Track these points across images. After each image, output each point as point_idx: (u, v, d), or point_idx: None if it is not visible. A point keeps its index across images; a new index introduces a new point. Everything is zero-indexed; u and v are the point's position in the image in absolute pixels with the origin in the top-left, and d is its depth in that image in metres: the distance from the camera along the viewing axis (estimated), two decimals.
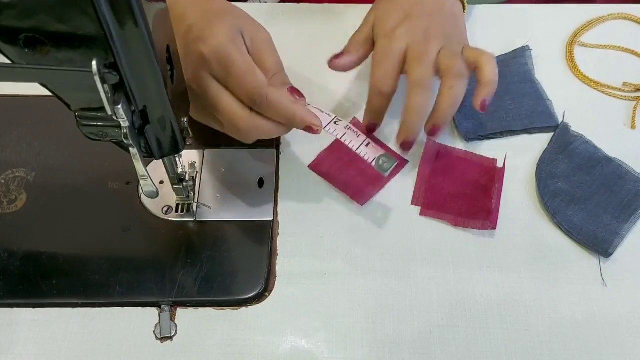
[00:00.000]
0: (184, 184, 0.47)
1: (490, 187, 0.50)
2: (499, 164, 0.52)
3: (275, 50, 0.47)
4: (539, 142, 0.54)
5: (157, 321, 0.45)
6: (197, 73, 0.43)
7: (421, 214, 0.50)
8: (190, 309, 0.45)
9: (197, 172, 0.51)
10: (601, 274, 0.47)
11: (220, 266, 0.47)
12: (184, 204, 0.50)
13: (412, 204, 0.51)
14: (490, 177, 0.51)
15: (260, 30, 0.47)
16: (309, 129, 0.43)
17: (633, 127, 0.55)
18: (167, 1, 0.35)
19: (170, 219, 0.49)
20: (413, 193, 0.51)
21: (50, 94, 0.34)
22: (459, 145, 0.54)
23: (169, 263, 0.47)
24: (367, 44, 0.52)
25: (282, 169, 0.53)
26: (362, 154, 0.45)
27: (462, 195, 0.51)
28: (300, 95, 0.45)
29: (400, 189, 0.52)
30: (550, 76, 0.59)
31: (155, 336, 0.44)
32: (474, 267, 0.48)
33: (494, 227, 0.49)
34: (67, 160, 0.52)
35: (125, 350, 0.44)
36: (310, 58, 0.59)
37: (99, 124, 0.36)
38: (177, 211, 0.49)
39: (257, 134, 0.45)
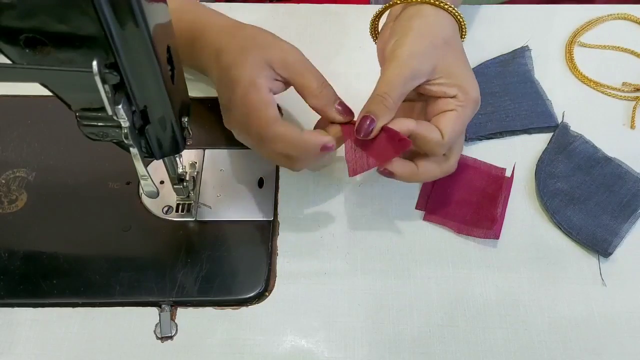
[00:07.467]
0: (185, 184, 0.47)
1: (496, 196, 0.50)
2: (507, 173, 0.52)
3: (311, 66, 0.46)
4: (539, 142, 0.54)
5: (158, 321, 0.45)
6: (227, 117, 0.46)
7: (425, 218, 0.50)
8: (190, 309, 0.45)
9: (197, 172, 0.51)
10: (600, 274, 0.47)
11: (220, 266, 0.47)
12: (185, 203, 0.50)
13: (416, 208, 0.51)
14: (497, 186, 0.51)
15: (290, 53, 0.46)
16: (325, 148, 0.43)
17: (632, 127, 0.56)
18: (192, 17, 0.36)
19: (170, 218, 0.49)
20: (418, 197, 0.51)
21: (50, 94, 0.34)
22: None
23: (169, 263, 0.47)
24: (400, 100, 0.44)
25: (282, 169, 0.53)
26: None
27: (468, 203, 0.50)
28: (348, 112, 0.45)
29: (404, 191, 0.52)
30: (550, 76, 0.59)
31: (156, 336, 0.44)
32: (474, 267, 0.48)
33: (496, 236, 0.48)
34: (68, 160, 0.52)
35: (125, 349, 0.44)
36: (310, 58, 0.59)
37: (99, 124, 0.36)
38: (177, 211, 0.50)
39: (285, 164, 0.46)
